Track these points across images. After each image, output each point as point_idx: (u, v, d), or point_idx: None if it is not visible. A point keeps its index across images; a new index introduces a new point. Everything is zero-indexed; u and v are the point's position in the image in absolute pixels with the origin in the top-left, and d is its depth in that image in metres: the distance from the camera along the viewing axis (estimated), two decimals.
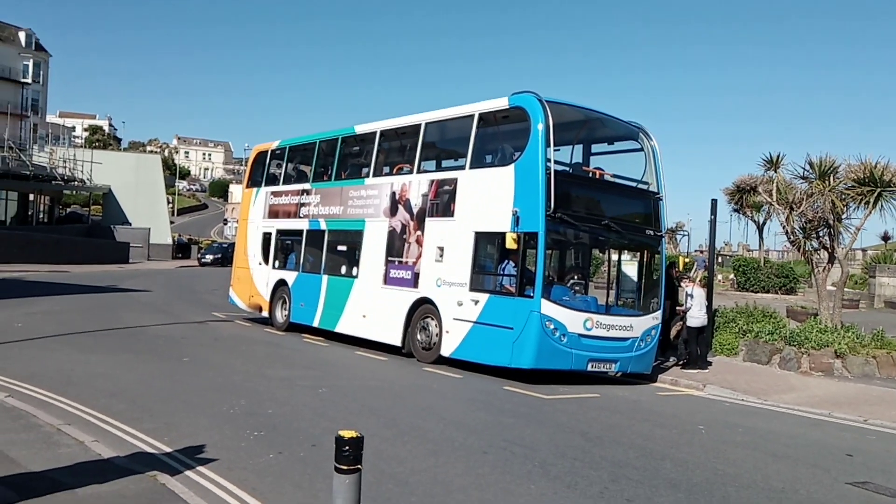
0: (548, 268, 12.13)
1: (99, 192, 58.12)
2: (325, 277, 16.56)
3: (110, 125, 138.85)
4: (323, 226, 16.92)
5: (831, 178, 15.44)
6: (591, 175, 13.75)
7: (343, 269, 16.17)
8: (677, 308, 15.08)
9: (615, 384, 12.60)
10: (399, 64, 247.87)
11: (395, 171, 15.41)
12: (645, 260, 13.60)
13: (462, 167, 13.58)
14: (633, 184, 13.70)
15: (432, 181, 14.05)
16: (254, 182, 20.17)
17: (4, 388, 9.06)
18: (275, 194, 18.95)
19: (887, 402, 11.60)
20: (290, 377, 11.40)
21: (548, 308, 11.69)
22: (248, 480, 6.09)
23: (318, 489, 5.84)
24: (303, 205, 17.69)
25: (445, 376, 12.36)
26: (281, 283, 18.02)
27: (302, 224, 17.58)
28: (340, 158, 17.03)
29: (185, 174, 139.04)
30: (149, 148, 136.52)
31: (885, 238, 54.55)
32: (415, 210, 14.22)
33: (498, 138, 13.87)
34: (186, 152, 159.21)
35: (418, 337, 13.74)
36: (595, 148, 14.96)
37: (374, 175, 15.68)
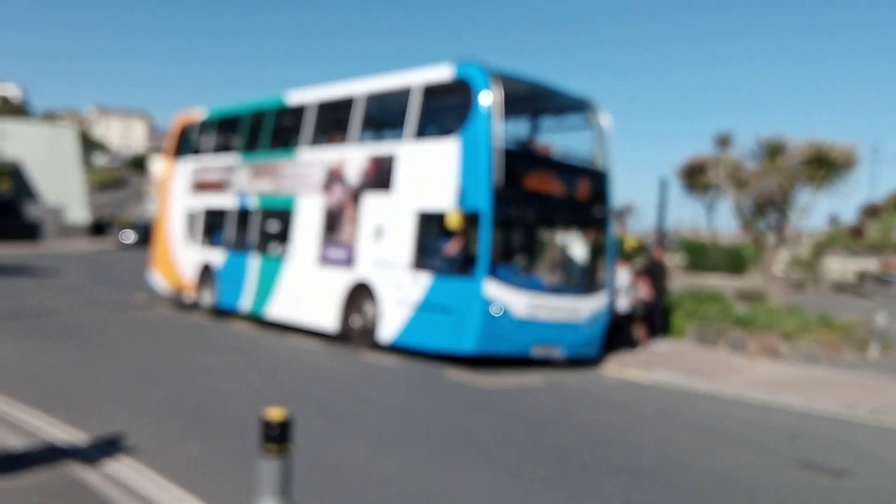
0: (493, 248, 12.17)
1: (7, 166, 55.96)
2: (255, 258, 16.32)
3: (21, 95, 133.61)
4: (253, 202, 16.64)
5: (780, 158, 15.89)
6: (538, 151, 13.82)
7: (275, 249, 15.96)
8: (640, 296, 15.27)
9: (561, 369, 12.78)
10: (337, 33, 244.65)
11: (329, 143, 15.22)
12: (592, 240, 13.77)
13: (403, 140, 13.49)
14: (581, 160, 13.83)
15: (370, 155, 13.91)
16: (178, 155, 19.67)
17: None
18: (201, 168, 18.54)
19: (831, 383, 12.07)
20: (216, 364, 11.22)
21: (492, 290, 11.75)
22: (170, 470, 5.97)
23: (245, 477, 5.76)
24: (231, 179, 17.35)
25: (384, 362, 12.34)
26: (207, 265, 17.69)
27: (230, 200, 17.26)
28: (271, 130, 16.73)
29: (102, 148, 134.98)
30: (64, 120, 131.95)
31: (833, 220, 56.63)
32: (352, 185, 14.08)
33: (441, 110, 13.77)
34: (106, 125, 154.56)
35: (355, 321, 13.66)
36: (543, 122, 15.04)
37: (309, 147, 15.46)
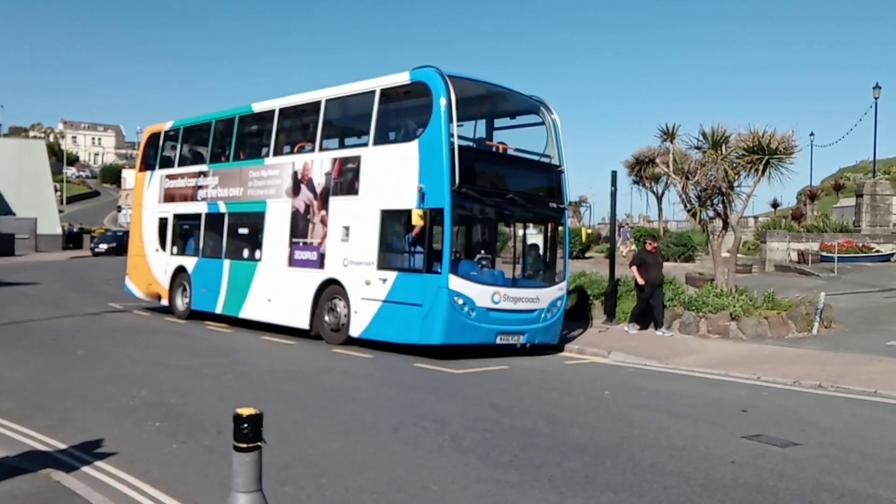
0: (455, 243, 12.20)
1: None
2: (226, 262, 16.14)
3: None
4: (222, 208, 16.46)
5: (723, 147, 16.11)
6: (494, 149, 13.89)
7: (246, 253, 15.80)
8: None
9: (524, 356, 12.85)
10: (303, 48, 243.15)
11: (296, 149, 15.12)
12: (549, 232, 13.87)
13: (365, 144, 13.46)
14: (536, 157, 13.91)
15: (335, 159, 13.87)
16: (147, 165, 19.39)
17: None
18: (170, 177, 18.29)
19: (778, 359, 12.29)
20: (193, 366, 11.09)
21: (456, 283, 11.77)
22: (150, 472, 5.89)
23: (225, 476, 5.66)
24: (200, 187, 17.15)
25: (355, 357, 12.30)
26: (180, 270, 17.45)
27: (200, 207, 17.05)
28: (238, 138, 16.57)
29: (73, 160, 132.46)
30: (32, 133, 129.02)
31: (775, 205, 57.72)
32: (318, 189, 14.01)
33: (401, 114, 13.78)
34: (74, 137, 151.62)
35: (326, 318, 13.59)
36: (498, 122, 15.10)
37: (275, 154, 15.34)
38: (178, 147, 18.65)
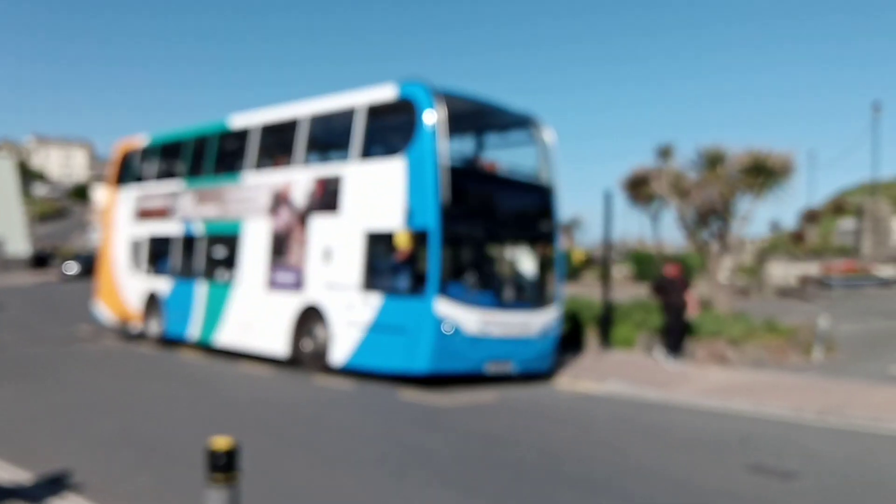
0: (442, 266, 12.15)
1: None
2: (202, 285, 16.05)
3: None
4: (198, 228, 16.39)
5: (720, 167, 16.26)
6: (484, 168, 13.90)
7: (223, 275, 15.71)
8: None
9: (514, 384, 12.80)
10: (278, 58, 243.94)
11: (275, 166, 15.09)
12: (541, 254, 13.87)
13: (349, 161, 13.43)
14: (527, 176, 13.94)
15: (317, 176, 13.83)
16: (120, 183, 19.30)
17: None
18: (144, 196, 18.21)
19: (778, 387, 12.31)
20: (166, 394, 10.99)
21: (444, 308, 11.74)
22: None
23: None
24: (175, 206, 17.08)
25: (337, 385, 12.22)
26: (153, 293, 17.33)
27: (175, 227, 16.98)
28: (215, 154, 16.53)
29: (43, 178, 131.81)
30: (1, 150, 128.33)
31: (774, 227, 58.10)
32: (299, 208, 13.97)
33: (386, 129, 13.74)
34: (46, 154, 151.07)
35: (306, 345, 13.50)
36: (488, 140, 15.13)
37: (254, 171, 15.31)
38: (152, 163, 18.59)
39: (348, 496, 6.30)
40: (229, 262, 15.57)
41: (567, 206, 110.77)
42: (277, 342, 13.96)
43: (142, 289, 17.69)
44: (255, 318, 14.61)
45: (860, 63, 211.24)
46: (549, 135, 14.03)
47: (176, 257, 16.99)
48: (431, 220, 11.69)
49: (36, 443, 7.85)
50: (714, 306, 17.02)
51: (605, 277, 17.69)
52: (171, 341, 16.77)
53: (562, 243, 14.37)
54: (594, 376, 13.29)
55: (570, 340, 16.48)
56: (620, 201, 39.94)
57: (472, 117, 14.23)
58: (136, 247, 18.21)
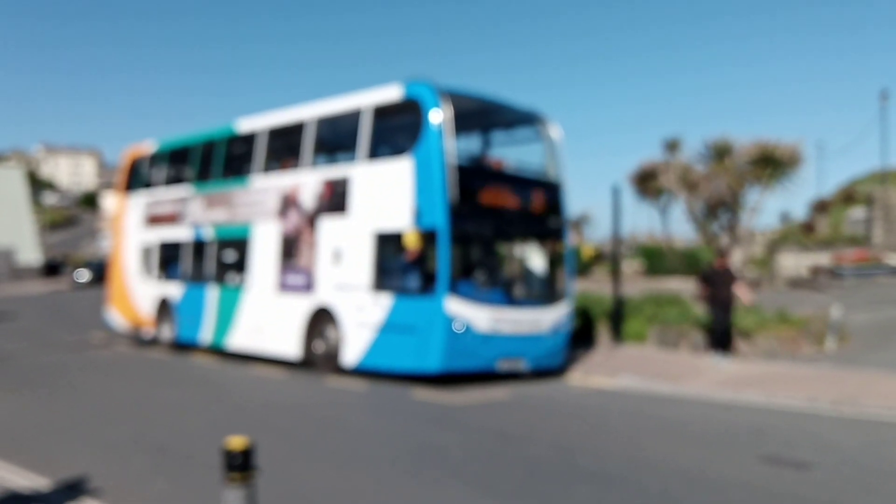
0: (452, 264, 12.16)
1: None
2: (213, 289, 16.13)
3: None
4: (208, 232, 16.47)
5: (728, 159, 16.23)
6: (491, 166, 13.91)
7: (233, 279, 15.79)
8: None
9: (527, 381, 12.81)
10: (280, 65, 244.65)
11: (283, 169, 15.16)
12: (550, 251, 13.87)
13: (356, 162, 13.46)
14: (534, 174, 13.95)
15: (325, 178, 13.87)
16: (129, 189, 19.41)
17: None
18: (153, 202, 18.31)
19: (791, 378, 12.29)
20: (180, 398, 11.05)
21: (454, 307, 11.76)
22: None
23: None
24: (185, 211, 17.17)
25: (350, 386, 12.26)
26: (165, 298, 17.43)
27: (185, 232, 17.06)
28: (224, 158, 16.60)
29: (52, 187, 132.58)
30: (11, 160, 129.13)
31: (785, 218, 57.85)
32: (308, 210, 14.02)
33: (393, 130, 13.77)
34: (55, 163, 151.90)
35: (318, 346, 13.56)
36: (494, 137, 15.14)
37: (262, 175, 15.37)
38: (161, 169, 18.69)
39: (363, 495, 6.34)
40: (240, 266, 15.64)
41: (576, 201, 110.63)
42: (289, 344, 14.02)
43: (153, 294, 17.79)
44: (266, 320, 14.67)
45: (868, 52, 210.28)
46: (555, 131, 14.04)
47: (186, 262, 17.08)
48: (440, 220, 11.71)
49: (53, 449, 7.91)
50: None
51: (616, 272, 17.68)
52: (183, 346, 16.86)
53: (571, 239, 14.37)
54: (606, 371, 13.30)
55: (581, 336, 16.49)
56: (629, 196, 39.86)
57: (478, 115, 14.23)
58: (146, 253, 18.31)
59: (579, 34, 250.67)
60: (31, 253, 55.83)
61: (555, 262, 13.82)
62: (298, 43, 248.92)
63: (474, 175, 13.12)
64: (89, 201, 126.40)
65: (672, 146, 17.40)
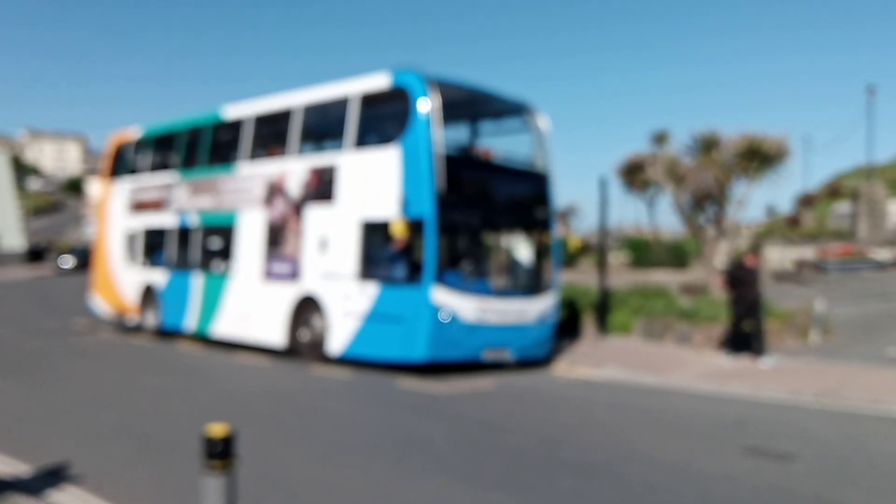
0: (439, 254, 12.13)
1: None
2: (198, 276, 16.02)
3: None
4: (194, 219, 16.34)
5: (715, 151, 16.24)
6: (479, 156, 13.87)
7: (218, 266, 15.69)
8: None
9: (512, 371, 12.81)
10: (270, 48, 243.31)
11: (269, 156, 15.05)
12: (536, 241, 13.86)
13: (343, 150, 13.38)
14: (522, 164, 13.91)
15: (311, 166, 13.79)
16: (113, 175, 19.24)
17: None
18: (138, 188, 18.15)
19: (775, 371, 12.34)
20: (163, 386, 10.98)
21: (440, 296, 11.74)
22: (120, 496, 5.83)
23: (195, 499, 5.63)
24: (170, 198, 17.03)
25: (334, 375, 12.22)
26: (149, 285, 17.30)
27: (170, 219, 16.93)
28: (210, 145, 16.46)
29: (37, 172, 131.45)
30: None
31: (770, 211, 58.20)
32: (294, 198, 13.93)
33: (380, 118, 13.68)
34: (39, 148, 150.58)
35: (304, 335, 13.50)
36: (482, 127, 15.09)
37: (248, 162, 15.26)
38: (147, 155, 18.51)
39: (344, 486, 6.31)
40: (225, 254, 15.54)
41: (563, 193, 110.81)
42: (274, 333, 13.95)
43: (138, 281, 17.66)
44: (251, 308, 14.60)
45: (855, 46, 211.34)
46: (543, 122, 14.00)
47: (171, 249, 16.95)
48: (427, 209, 11.67)
49: (34, 436, 7.85)
50: (710, 291, 17.03)
51: (602, 264, 17.70)
52: (168, 333, 16.76)
53: (558, 230, 14.36)
54: (591, 362, 13.31)
55: (567, 327, 16.50)
56: (616, 188, 39.93)
57: (466, 105, 14.18)
58: (131, 239, 18.16)
59: (569, 26, 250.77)
60: (14, 238, 55.28)
61: (541, 252, 13.80)
62: (287, 30, 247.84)
63: (462, 165, 13.08)
64: (74, 187, 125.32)
65: (660, 139, 17.44)
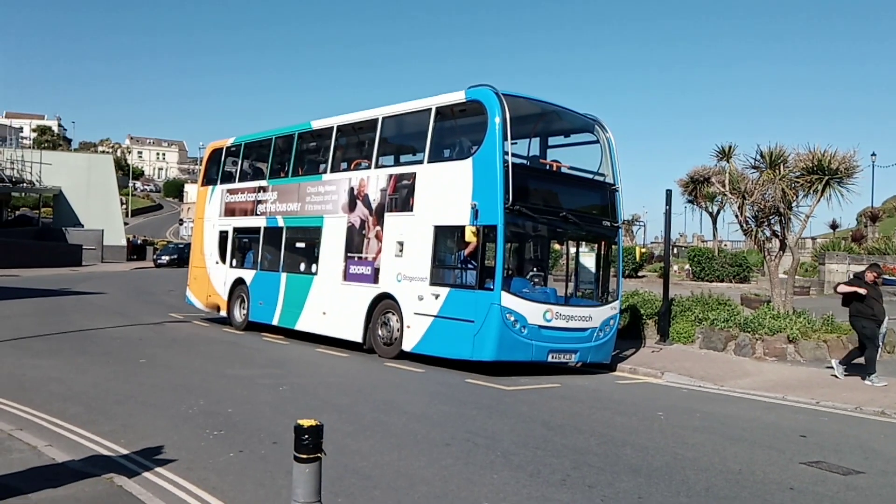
0: (507, 260, 12.16)
1: (49, 193, 56.55)
2: (283, 275, 16.39)
3: (59, 125, 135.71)
4: (280, 223, 16.73)
5: (781, 167, 15.75)
6: (548, 167, 13.84)
7: (302, 267, 16.02)
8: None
9: (575, 374, 12.70)
10: (350, 65, 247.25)
11: (352, 166, 15.31)
12: (602, 251, 13.72)
13: (420, 161, 13.54)
14: (590, 176, 13.81)
15: (390, 176, 13.98)
16: (209, 180, 19.86)
17: None
18: (231, 192, 18.68)
19: (837, 384, 11.89)
20: (249, 376, 11.26)
21: (508, 300, 11.73)
22: (208, 480, 5.99)
23: (281, 486, 5.77)
24: (259, 202, 17.48)
25: (407, 371, 12.33)
26: (239, 282, 17.78)
27: (259, 221, 17.37)
28: (297, 154, 16.86)
29: (138, 174, 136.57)
30: (100, 148, 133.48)
31: (834, 226, 56.11)
32: (373, 205, 14.14)
33: (455, 132, 13.85)
34: (140, 152, 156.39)
35: (379, 332, 13.67)
36: (552, 140, 15.05)
37: (332, 171, 15.56)
38: (239, 162, 19.05)
39: (417, 476, 6.36)
40: (309, 255, 15.87)
41: (628, 203, 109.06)
42: (352, 329, 14.17)
43: (228, 278, 18.17)
44: (332, 306, 14.86)
45: None
46: (610, 135, 13.86)
47: (260, 250, 17.39)
48: (497, 218, 11.69)
49: (130, 419, 8.10)
50: (773, 304, 16.52)
51: (665, 273, 17.38)
52: (254, 326, 17.18)
53: (623, 240, 14.16)
54: (653, 368, 13.08)
55: (629, 334, 16.27)
56: (680, 200, 39.05)
57: (536, 119, 14.21)
58: (223, 239, 18.69)
59: (639, 39, 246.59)
60: (118, 236, 57.47)
61: (606, 261, 13.66)
62: (373, 44, 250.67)
63: (531, 175, 13.10)
64: (172, 189, 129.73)
65: (725, 153, 17.00)
